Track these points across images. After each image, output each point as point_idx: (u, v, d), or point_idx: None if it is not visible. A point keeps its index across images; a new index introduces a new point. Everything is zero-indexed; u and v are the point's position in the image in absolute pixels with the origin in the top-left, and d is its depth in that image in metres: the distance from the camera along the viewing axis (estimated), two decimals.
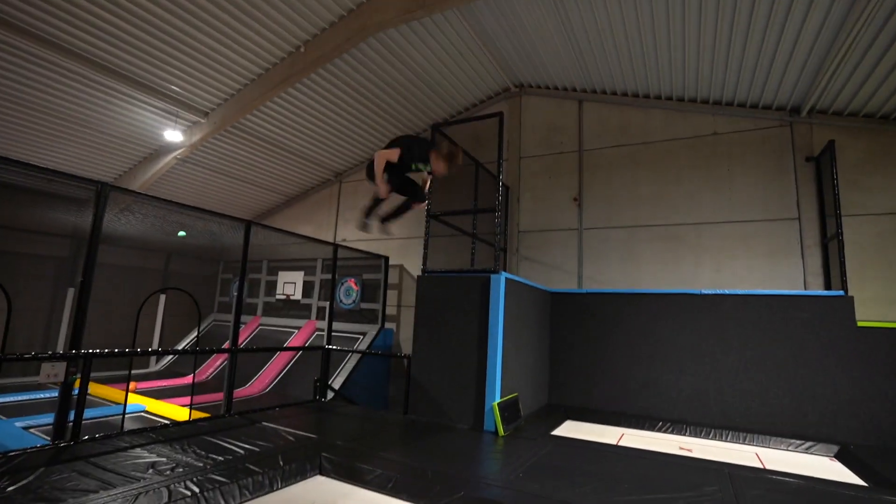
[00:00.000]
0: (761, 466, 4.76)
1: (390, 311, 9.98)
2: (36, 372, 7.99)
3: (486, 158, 7.32)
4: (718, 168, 7.63)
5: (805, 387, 5.99)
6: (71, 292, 10.09)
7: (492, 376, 5.33)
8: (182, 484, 3.11)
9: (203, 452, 3.80)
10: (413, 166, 3.20)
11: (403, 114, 9.62)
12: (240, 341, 9.83)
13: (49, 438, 4.79)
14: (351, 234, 10.95)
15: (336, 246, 9.08)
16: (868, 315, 6.26)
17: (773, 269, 7.10)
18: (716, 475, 4.06)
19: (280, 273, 11.57)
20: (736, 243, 7.36)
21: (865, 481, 4.47)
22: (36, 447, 3.81)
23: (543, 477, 3.80)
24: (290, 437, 4.45)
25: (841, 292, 6.06)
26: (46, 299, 10.38)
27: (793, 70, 6.42)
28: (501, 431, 5.07)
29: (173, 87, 8.03)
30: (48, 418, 6.23)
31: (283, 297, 11.21)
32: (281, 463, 3.68)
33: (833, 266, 6.54)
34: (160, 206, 7.07)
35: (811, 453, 5.57)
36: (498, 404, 5.18)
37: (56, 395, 4.44)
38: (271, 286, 11.93)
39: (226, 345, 8.36)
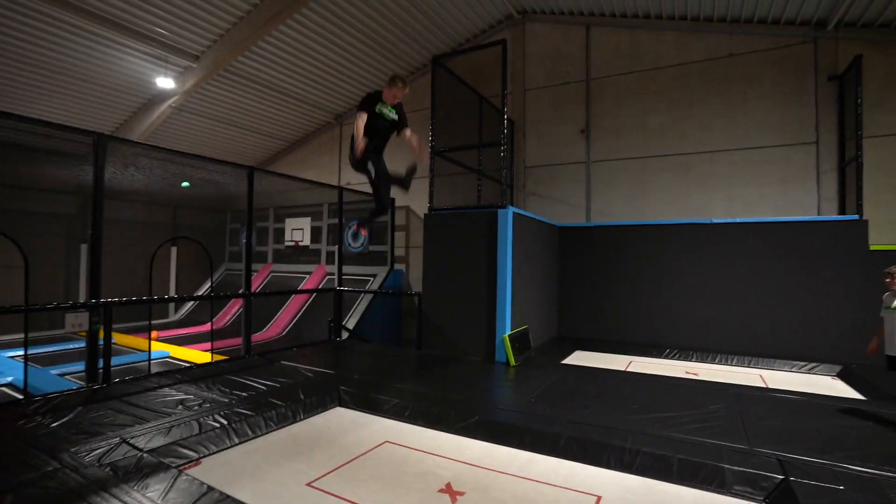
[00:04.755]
0: (764, 386, 4.91)
1: (399, 252, 10.06)
2: (61, 325, 8.27)
3: (490, 92, 7.05)
4: (733, 93, 7.30)
5: (812, 311, 6.05)
6: (84, 248, 10.23)
7: (501, 309, 5.43)
8: (211, 417, 3.28)
9: (227, 389, 3.99)
10: (377, 109, 3.72)
11: (402, 48, 9.18)
12: (253, 288, 10.03)
13: (83, 383, 5.04)
14: (355, 178, 10.81)
15: (341, 189, 9.02)
16: (882, 239, 6.18)
17: (787, 196, 6.97)
18: (720, 394, 4.21)
19: (287, 220, 11.60)
20: (748, 171, 7.18)
21: (865, 396, 4.63)
22: (72, 390, 4.02)
23: (554, 400, 3.96)
24: (309, 374, 4.64)
25: (856, 216, 5.97)
26: (61, 256, 10.56)
27: None
28: (512, 361, 5.24)
29: (159, 29, 7.67)
30: (80, 366, 6.53)
31: (292, 243, 11.30)
32: (302, 396, 3.86)
33: (850, 191, 6.40)
34: (159, 156, 6.98)
35: (814, 373, 5.72)
36: (508, 336, 5.32)
37: (83, 345, 4.61)
38: (279, 234, 12.01)
39: (241, 290, 8.53)
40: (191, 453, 2.89)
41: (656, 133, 7.81)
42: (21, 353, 6.33)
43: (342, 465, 2.90)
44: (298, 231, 11.24)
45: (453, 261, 5.85)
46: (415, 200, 9.83)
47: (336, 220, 9.29)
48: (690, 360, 6.29)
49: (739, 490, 2.62)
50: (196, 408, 3.49)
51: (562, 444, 3.12)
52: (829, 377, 5.57)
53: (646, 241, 6.99)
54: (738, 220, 6.53)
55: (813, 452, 2.87)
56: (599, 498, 2.57)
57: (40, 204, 10.21)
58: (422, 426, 3.62)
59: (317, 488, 2.62)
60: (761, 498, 2.56)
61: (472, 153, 6.76)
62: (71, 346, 8.32)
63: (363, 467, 2.90)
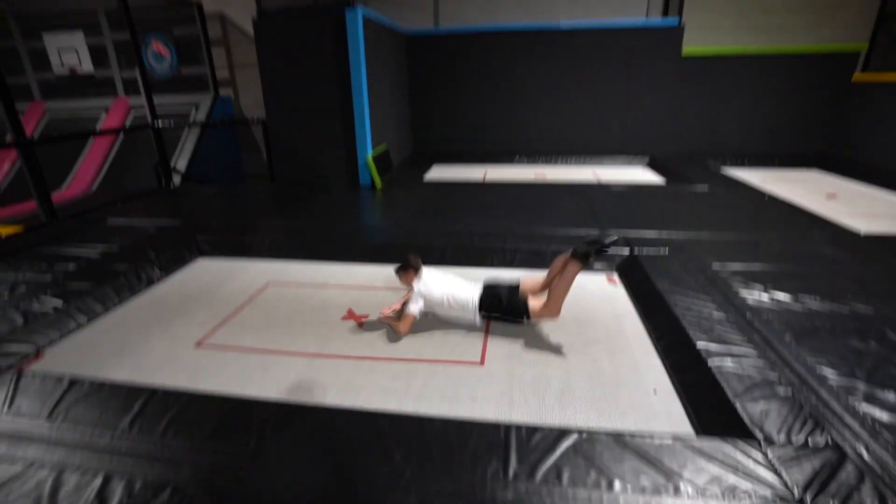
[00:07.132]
0: (597, 181, 5.69)
1: (221, 74, 8.32)
2: None
3: None
4: None
5: (630, 112, 6.86)
6: None
7: (360, 128, 5.04)
8: (35, 302, 2.64)
9: (45, 265, 3.19)
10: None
11: None
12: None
13: None
14: None
15: None
16: (697, 41, 6.79)
17: None
18: (569, 191, 4.79)
19: (45, 36, 8.47)
20: None
21: (665, 179, 5.71)
22: None
23: (429, 215, 4.07)
24: (151, 230, 3.95)
25: (675, 20, 6.42)
26: None
27: None
28: (378, 184, 5.10)
29: None
30: None
31: (66, 71, 8.52)
32: (152, 256, 3.31)
33: None
34: None
35: (631, 165, 6.79)
36: (372, 157, 5.07)
37: None
38: (41, 59, 8.85)
39: (9, 137, 6.46)
40: (22, 348, 2.34)
41: None
42: None
43: (228, 319, 2.69)
44: (70, 52, 8.39)
45: (299, 77, 5.05)
46: (230, 5, 7.83)
47: (127, 36, 7.03)
48: (537, 164, 6.92)
49: (599, 267, 3.13)
50: (7, 295, 2.76)
51: (448, 253, 3.29)
52: (640, 167, 6.67)
53: (497, 50, 6.79)
54: (580, 24, 6.57)
55: (650, 230, 3.47)
56: None
57: None
58: (300, 260, 3.45)
59: (209, 345, 2.41)
60: (613, 268, 3.12)
61: None
62: None
63: (252, 314, 2.73)
